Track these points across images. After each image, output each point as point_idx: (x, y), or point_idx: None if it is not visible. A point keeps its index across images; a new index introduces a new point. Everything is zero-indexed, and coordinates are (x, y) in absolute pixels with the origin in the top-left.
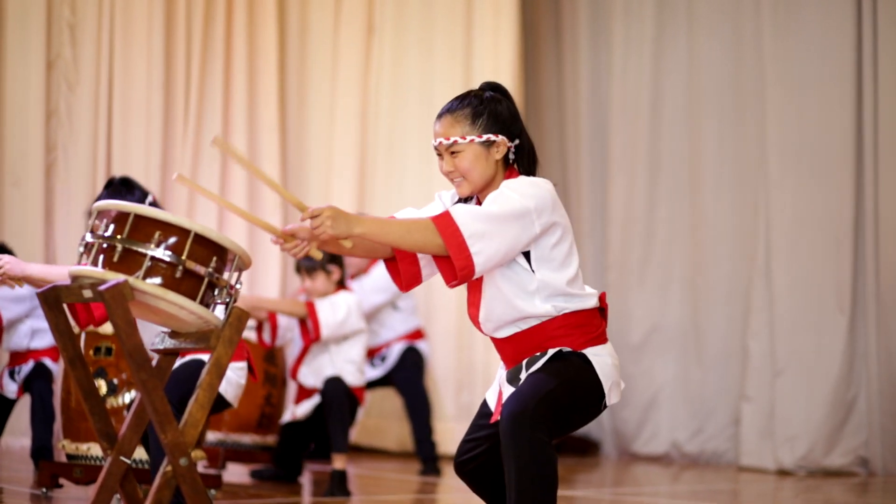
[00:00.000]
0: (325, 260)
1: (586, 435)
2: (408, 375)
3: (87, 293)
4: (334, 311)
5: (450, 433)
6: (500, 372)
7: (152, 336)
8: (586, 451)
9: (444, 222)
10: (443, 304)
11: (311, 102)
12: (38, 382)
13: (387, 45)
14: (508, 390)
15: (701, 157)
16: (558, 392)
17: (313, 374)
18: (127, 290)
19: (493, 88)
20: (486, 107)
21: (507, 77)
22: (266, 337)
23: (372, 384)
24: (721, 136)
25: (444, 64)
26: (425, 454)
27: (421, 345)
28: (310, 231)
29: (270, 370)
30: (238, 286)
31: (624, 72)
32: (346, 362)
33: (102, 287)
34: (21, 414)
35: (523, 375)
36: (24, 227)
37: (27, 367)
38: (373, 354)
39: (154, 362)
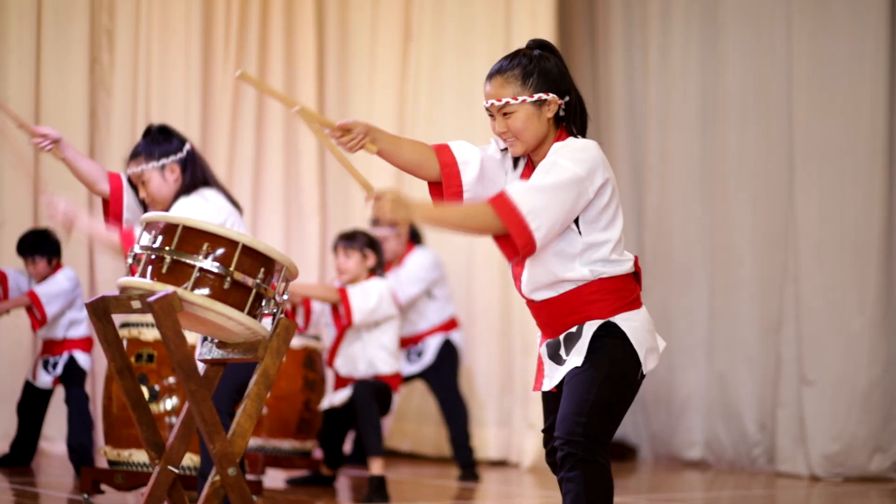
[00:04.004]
0: (364, 243)
1: (623, 440)
2: (444, 379)
3: (136, 304)
4: (366, 297)
5: (491, 438)
6: (538, 340)
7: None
8: (624, 456)
9: (502, 203)
10: (483, 309)
11: (349, 107)
12: (73, 389)
13: (424, 51)
14: (549, 364)
15: (734, 161)
16: (602, 397)
17: (348, 362)
18: (176, 301)
19: (541, 46)
20: (536, 65)
21: None
22: (300, 321)
23: (408, 378)
24: (755, 140)
25: (481, 68)
26: (463, 460)
27: (455, 336)
28: (365, 125)
29: (309, 376)
30: (285, 297)
31: (658, 77)
32: (379, 349)
33: (151, 298)
34: (60, 419)
35: (563, 353)
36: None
37: (61, 360)
38: (409, 345)
39: (201, 372)
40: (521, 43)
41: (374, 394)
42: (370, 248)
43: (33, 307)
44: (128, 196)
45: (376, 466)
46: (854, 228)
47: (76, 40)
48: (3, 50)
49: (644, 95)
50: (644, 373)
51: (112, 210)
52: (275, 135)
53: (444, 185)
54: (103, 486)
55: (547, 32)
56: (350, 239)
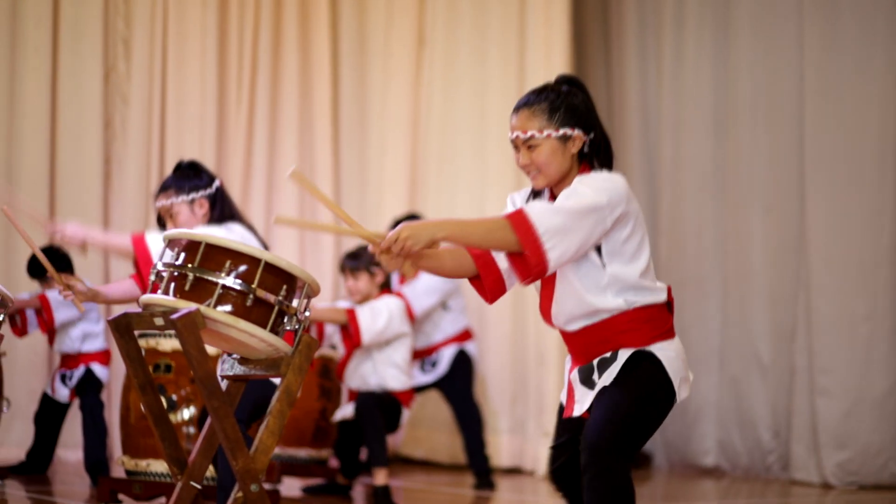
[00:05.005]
0: (369, 261)
1: None
2: (459, 387)
3: (159, 321)
4: (374, 317)
5: (504, 446)
6: (568, 365)
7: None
8: (639, 463)
9: (519, 220)
10: (496, 317)
11: (364, 112)
12: (88, 397)
13: (438, 57)
14: (580, 389)
15: (746, 170)
16: (633, 411)
17: (358, 378)
18: (199, 318)
19: (569, 82)
20: (563, 101)
21: None
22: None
23: (421, 388)
24: (767, 149)
25: (494, 75)
26: (478, 467)
27: (470, 347)
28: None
29: (325, 384)
30: (307, 314)
31: (671, 85)
32: (389, 366)
33: (174, 316)
34: (76, 426)
35: (596, 377)
36: None
37: (78, 372)
38: (423, 357)
39: (223, 388)
40: (534, 50)
41: (379, 405)
42: (377, 265)
43: (42, 310)
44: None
45: (381, 477)
46: (865, 237)
47: (92, 48)
48: (19, 57)
49: (658, 103)
50: (677, 400)
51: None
52: (289, 143)
53: (483, 275)
54: (121, 496)
55: (561, 39)
56: (355, 259)
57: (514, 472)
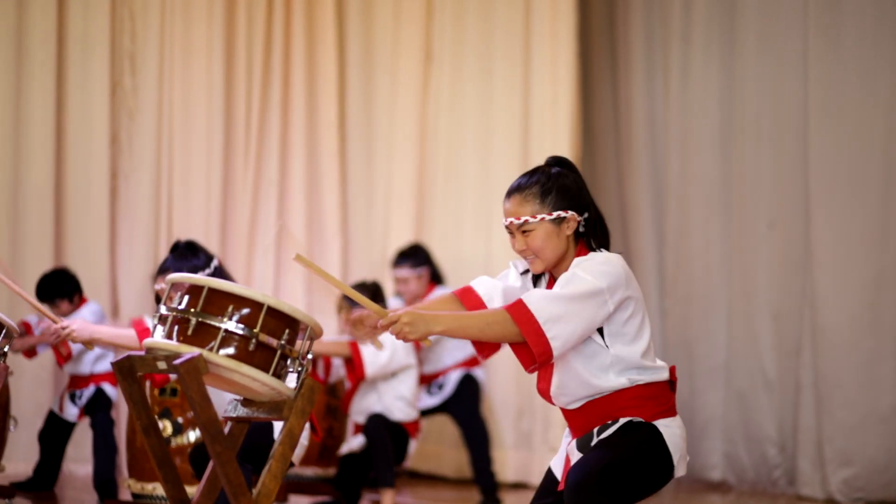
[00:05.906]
0: (368, 297)
1: None
2: (465, 405)
3: (162, 365)
4: (377, 350)
5: (509, 461)
6: (565, 440)
7: (224, 403)
8: None
9: (519, 311)
10: None
11: (371, 130)
12: (98, 416)
13: (444, 75)
14: (577, 457)
15: (752, 185)
16: (623, 461)
17: (363, 411)
18: (201, 363)
19: (559, 163)
20: (554, 183)
21: (565, 107)
22: (319, 373)
23: (428, 411)
24: (772, 165)
25: (501, 92)
26: (485, 484)
27: (478, 371)
28: (375, 320)
29: (332, 403)
30: (310, 356)
31: (678, 100)
32: (395, 399)
33: (177, 361)
34: (84, 440)
35: (594, 443)
36: (88, 254)
37: (87, 392)
38: (430, 381)
39: (226, 429)
40: (540, 65)
41: (388, 427)
42: (375, 302)
43: (59, 344)
44: None
45: (388, 499)
46: (870, 252)
47: (98, 64)
48: (25, 74)
49: (664, 118)
50: (675, 476)
51: None
52: (297, 157)
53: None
54: None
55: (567, 55)
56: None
57: (520, 486)
